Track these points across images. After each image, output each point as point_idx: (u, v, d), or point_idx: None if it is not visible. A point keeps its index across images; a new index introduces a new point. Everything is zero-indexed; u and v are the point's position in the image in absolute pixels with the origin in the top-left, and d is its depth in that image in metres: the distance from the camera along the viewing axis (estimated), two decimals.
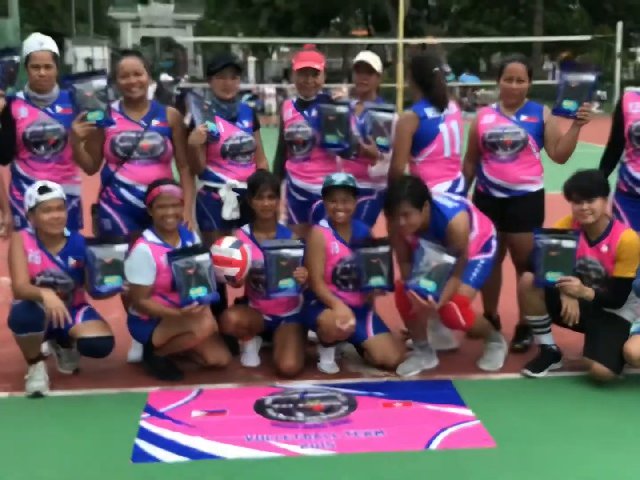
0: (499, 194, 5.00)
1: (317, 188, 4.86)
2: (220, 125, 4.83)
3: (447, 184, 4.87)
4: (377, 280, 4.65)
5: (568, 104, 4.70)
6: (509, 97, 4.96)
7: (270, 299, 4.68)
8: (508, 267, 5.23)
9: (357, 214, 4.87)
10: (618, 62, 24.49)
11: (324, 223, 4.80)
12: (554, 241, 4.46)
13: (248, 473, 3.53)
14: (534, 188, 5.00)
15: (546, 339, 4.74)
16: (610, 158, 5.07)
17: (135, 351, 4.90)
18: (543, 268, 4.48)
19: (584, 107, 4.67)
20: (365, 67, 4.97)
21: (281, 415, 4.12)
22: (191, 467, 3.60)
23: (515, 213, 4.97)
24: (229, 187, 4.83)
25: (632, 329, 4.50)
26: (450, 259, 4.42)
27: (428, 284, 4.41)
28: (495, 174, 4.97)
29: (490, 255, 4.74)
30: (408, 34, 28.76)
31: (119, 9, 50.23)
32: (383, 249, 4.66)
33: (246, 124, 4.95)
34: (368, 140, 4.81)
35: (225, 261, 4.51)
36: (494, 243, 4.78)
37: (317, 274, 4.68)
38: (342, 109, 4.80)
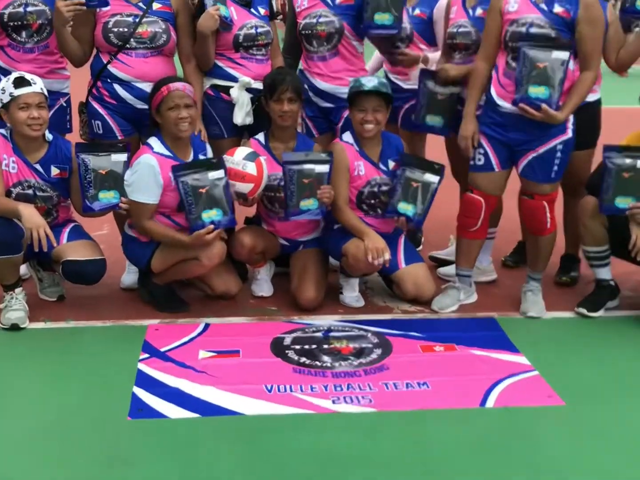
0: None
1: (344, 91, 4.12)
2: (233, 11, 4.03)
3: None
4: (406, 208, 3.97)
5: None
6: None
7: (289, 221, 3.99)
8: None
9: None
10: None
11: (347, 137, 4.08)
12: (628, 161, 3.78)
13: (272, 438, 2.90)
14: (591, 97, 4.27)
15: (604, 273, 4.12)
16: None
17: (129, 275, 4.25)
18: (612, 192, 3.81)
19: None
20: None
21: (304, 360, 3.50)
22: (204, 425, 2.97)
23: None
24: (242, 86, 4.07)
25: None
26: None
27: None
28: None
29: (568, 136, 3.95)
30: None
31: None
32: (430, 177, 3.96)
33: (262, 10, 4.15)
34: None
35: (238, 175, 3.79)
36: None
37: (341, 199, 4.00)
38: None
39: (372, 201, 4.09)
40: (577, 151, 4.28)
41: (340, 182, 4.00)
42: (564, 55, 3.64)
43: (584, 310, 4.07)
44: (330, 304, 4.12)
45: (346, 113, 4.19)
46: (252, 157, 3.85)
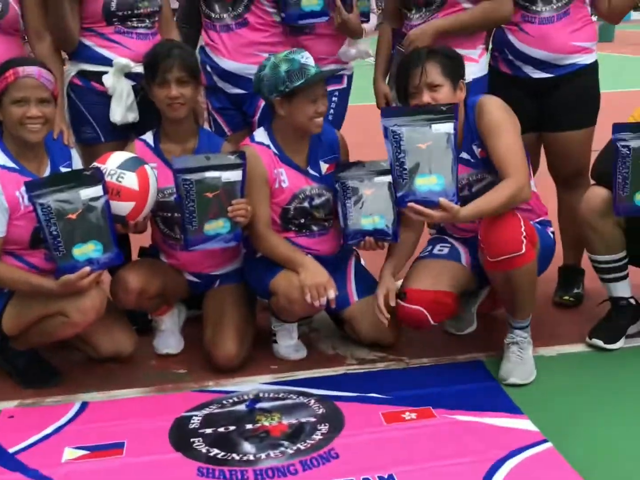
0: (538, 74, 3.30)
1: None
2: None
3: None
4: (373, 222, 2.86)
5: None
6: None
7: (191, 252, 2.90)
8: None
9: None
10: None
11: (261, 136, 3.02)
12: None
13: None
14: (589, 59, 3.33)
15: (621, 289, 3.11)
16: None
17: None
18: (631, 185, 2.78)
19: None
20: None
21: (216, 452, 2.40)
22: None
23: (563, 100, 3.31)
24: (119, 71, 3.01)
25: None
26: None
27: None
28: (532, 41, 3.25)
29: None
30: None
31: None
32: (383, 178, 2.84)
33: None
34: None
35: (111, 190, 2.69)
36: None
37: (260, 221, 2.93)
38: None
39: (302, 220, 3.03)
40: (571, 131, 3.33)
41: (257, 199, 2.92)
42: (448, 127, 2.66)
43: (599, 342, 3.04)
44: (259, 358, 3.04)
45: (263, 102, 3.13)
46: (133, 164, 2.76)
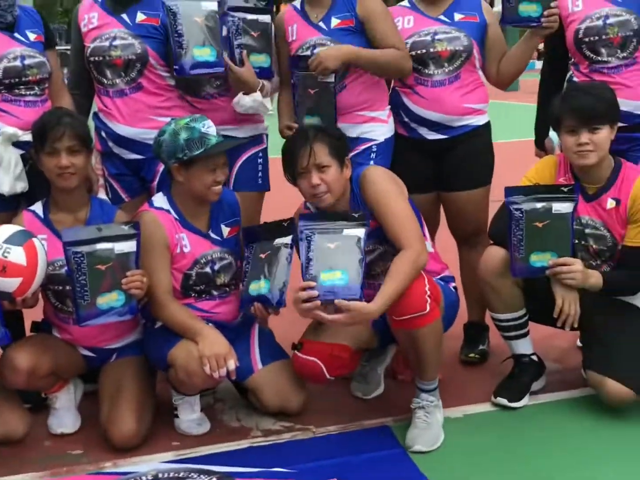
0: (432, 135, 3.34)
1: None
2: None
3: None
4: (258, 287, 2.84)
5: (527, 8, 3.08)
6: None
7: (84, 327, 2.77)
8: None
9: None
10: None
11: (161, 201, 2.96)
12: (540, 205, 2.81)
13: None
14: (480, 121, 3.39)
15: (523, 346, 3.14)
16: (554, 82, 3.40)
17: None
18: (525, 248, 2.82)
19: (551, 9, 3.07)
20: None
21: None
22: None
23: (458, 161, 3.37)
24: (6, 141, 2.90)
25: None
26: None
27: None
28: (425, 104, 3.30)
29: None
30: None
31: None
32: (281, 240, 2.86)
33: (32, 36, 3.02)
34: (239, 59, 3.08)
35: None
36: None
37: (160, 288, 2.85)
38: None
39: (203, 286, 2.96)
40: (466, 191, 3.39)
41: (157, 266, 2.85)
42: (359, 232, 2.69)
43: (504, 401, 3.04)
44: (160, 433, 2.91)
45: (162, 166, 3.07)
46: (20, 238, 2.63)
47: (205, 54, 2.98)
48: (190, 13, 2.93)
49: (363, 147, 3.23)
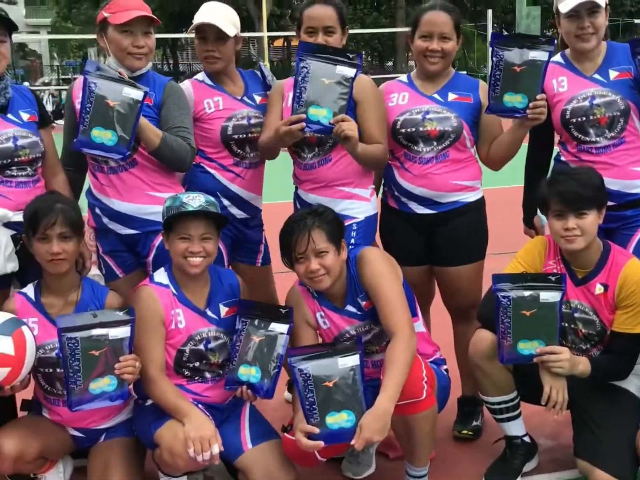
0: (422, 210, 3.35)
1: (152, 211, 3.11)
2: None
3: None
4: (248, 373, 2.86)
5: (512, 99, 2.99)
6: (427, 63, 3.30)
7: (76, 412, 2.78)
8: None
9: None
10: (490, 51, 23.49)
11: (161, 276, 2.99)
12: (527, 294, 2.80)
13: None
14: (472, 197, 3.39)
15: (515, 428, 3.14)
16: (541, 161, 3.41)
17: None
18: (512, 336, 2.81)
19: (537, 101, 2.99)
20: (212, 31, 3.27)
21: None
22: None
23: (449, 236, 3.37)
24: None
25: None
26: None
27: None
28: (415, 180, 3.32)
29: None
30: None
31: None
32: (277, 327, 2.88)
33: (25, 116, 3.05)
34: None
35: None
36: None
37: (153, 365, 2.87)
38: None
39: (197, 363, 2.98)
40: (458, 266, 3.38)
41: (151, 343, 2.88)
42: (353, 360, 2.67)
43: None
44: None
45: (158, 241, 3.11)
46: (8, 327, 2.65)
47: (106, 137, 2.84)
48: (107, 95, 2.83)
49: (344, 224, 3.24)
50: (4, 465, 2.76)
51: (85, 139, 2.81)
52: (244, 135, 3.34)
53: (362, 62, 2.90)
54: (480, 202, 3.41)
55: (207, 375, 3.00)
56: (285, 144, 3.11)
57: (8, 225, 2.94)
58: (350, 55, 2.88)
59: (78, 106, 3.11)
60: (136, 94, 2.84)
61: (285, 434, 2.88)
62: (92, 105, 2.78)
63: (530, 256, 3.04)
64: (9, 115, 3.00)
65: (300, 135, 2.94)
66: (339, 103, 2.87)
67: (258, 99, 3.41)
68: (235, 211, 3.41)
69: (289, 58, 41.33)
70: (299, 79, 2.85)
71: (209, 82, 3.39)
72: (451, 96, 3.30)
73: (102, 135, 2.80)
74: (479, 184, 3.41)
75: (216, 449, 2.71)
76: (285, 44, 42.52)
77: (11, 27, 3.00)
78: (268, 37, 22.92)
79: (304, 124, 2.85)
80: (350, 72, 2.88)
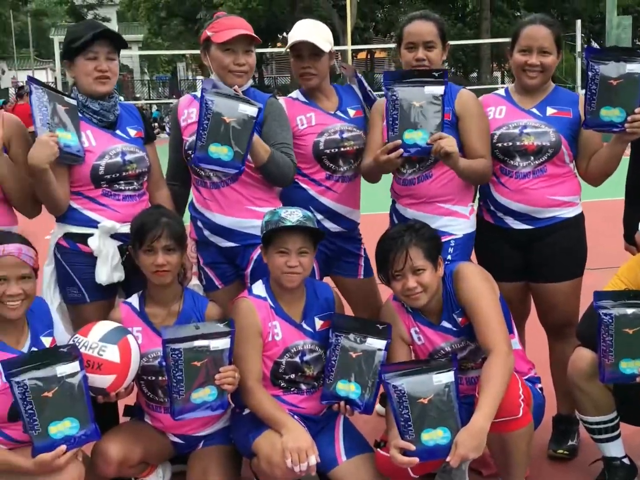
0: (519, 225, 3.31)
1: (251, 225, 3.16)
2: (89, 135, 3.05)
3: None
4: (347, 389, 2.88)
5: (609, 113, 2.93)
6: (526, 78, 3.27)
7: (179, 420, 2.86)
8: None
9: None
10: (579, 62, 22.82)
11: (259, 289, 3.05)
12: (630, 311, 2.74)
13: None
14: (571, 212, 3.32)
15: (614, 449, 3.05)
16: None
17: None
18: (614, 355, 2.76)
19: (635, 115, 2.91)
20: (307, 48, 3.31)
21: None
22: None
23: (546, 252, 3.31)
24: (104, 233, 3.03)
25: None
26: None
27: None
28: (511, 195, 3.28)
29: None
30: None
31: (60, 32, 48.16)
32: (374, 343, 2.89)
33: (132, 132, 3.17)
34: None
35: (91, 364, 2.68)
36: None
37: (251, 376, 2.92)
38: None
39: (293, 375, 3.02)
40: (555, 283, 3.32)
41: (249, 354, 2.94)
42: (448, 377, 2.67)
43: None
44: None
45: (256, 254, 3.17)
46: (115, 336, 2.75)
47: (222, 152, 2.88)
48: (223, 112, 2.86)
49: (442, 240, 3.24)
50: (109, 469, 2.86)
51: (202, 154, 2.86)
52: (336, 150, 3.37)
53: (447, 77, 2.91)
54: (579, 218, 3.35)
55: (303, 387, 3.04)
56: (386, 171, 3.14)
57: (115, 236, 3.05)
58: (436, 74, 2.88)
59: (183, 124, 3.23)
60: (251, 110, 2.89)
61: (379, 449, 2.89)
62: (209, 122, 2.84)
63: (632, 273, 2.97)
64: (118, 132, 3.11)
65: (399, 162, 2.97)
66: (434, 122, 2.88)
67: (352, 112, 3.44)
68: (329, 225, 3.44)
69: (372, 70, 41.48)
70: (390, 107, 2.87)
71: (303, 99, 3.45)
72: (550, 111, 3.26)
73: (218, 150, 2.86)
74: (577, 199, 3.34)
75: (313, 460, 2.75)
76: (369, 57, 42.71)
77: (120, 45, 3.12)
78: (352, 50, 22.97)
79: (401, 150, 2.87)
80: (439, 90, 2.88)
